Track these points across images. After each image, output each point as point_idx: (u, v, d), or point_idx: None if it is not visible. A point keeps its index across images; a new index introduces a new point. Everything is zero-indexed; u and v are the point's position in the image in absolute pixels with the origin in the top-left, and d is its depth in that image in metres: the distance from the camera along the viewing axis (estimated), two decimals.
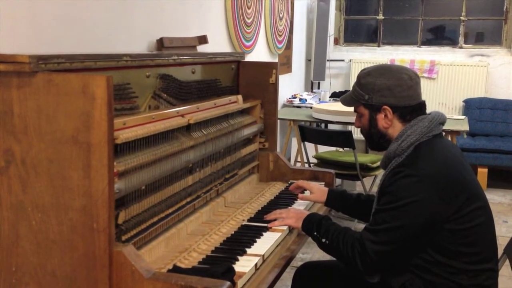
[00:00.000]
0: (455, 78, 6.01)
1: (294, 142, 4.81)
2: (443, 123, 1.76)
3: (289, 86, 5.66)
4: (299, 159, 4.60)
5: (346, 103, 1.88)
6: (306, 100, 5.37)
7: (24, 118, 1.34)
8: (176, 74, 1.94)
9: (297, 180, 2.24)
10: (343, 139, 3.88)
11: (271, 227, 1.86)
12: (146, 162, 1.56)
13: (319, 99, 5.57)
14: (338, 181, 4.71)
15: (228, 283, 1.31)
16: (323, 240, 1.75)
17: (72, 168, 1.32)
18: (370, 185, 4.15)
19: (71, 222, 1.35)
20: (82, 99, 1.28)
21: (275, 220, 1.89)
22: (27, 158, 1.35)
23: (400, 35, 6.53)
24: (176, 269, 1.44)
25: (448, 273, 1.64)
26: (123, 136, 1.45)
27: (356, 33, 6.75)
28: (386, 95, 1.74)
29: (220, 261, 1.54)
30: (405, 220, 1.61)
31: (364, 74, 1.79)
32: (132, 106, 1.68)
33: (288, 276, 1.88)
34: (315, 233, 1.78)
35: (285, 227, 1.88)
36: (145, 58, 1.76)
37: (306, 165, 4.23)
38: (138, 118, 1.59)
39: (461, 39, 6.22)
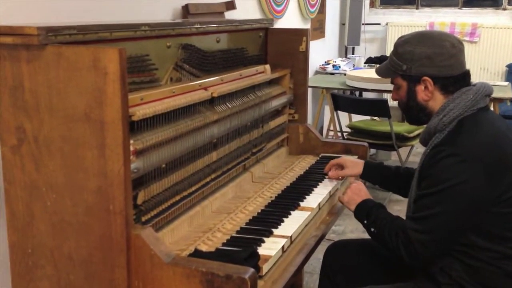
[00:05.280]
0: (498, 41, 5.75)
1: (327, 111, 4.67)
2: (489, 95, 1.60)
3: (322, 52, 5.47)
4: (331, 128, 4.47)
5: (382, 74, 1.74)
6: (339, 67, 5.19)
7: (35, 94, 1.27)
8: (199, 44, 1.83)
9: (327, 153, 2.14)
10: (378, 107, 3.75)
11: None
12: (166, 139, 1.47)
13: (354, 66, 5.38)
14: (372, 151, 4.57)
15: (252, 270, 1.22)
16: (372, 229, 1.66)
17: (85, 147, 1.25)
18: (406, 155, 4.00)
19: (86, 203, 1.28)
20: (94, 74, 1.19)
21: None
22: (40, 136, 1.29)
23: None
24: (197, 254, 1.37)
25: (491, 259, 1.52)
26: (140, 112, 1.36)
27: None
28: (426, 64, 1.60)
29: (245, 243, 1.46)
30: (449, 204, 1.48)
31: (402, 42, 1.65)
32: (152, 79, 1.58)
33: (321, 248, 1.79)
34: (365, 222, 1.69)
35: (315, 205, 1.78)
36: (165, 27, 1.65)
37: (339, 134, 4.11)
38: (157, 92, 1.49)
39: (504, 0, 5.90)
